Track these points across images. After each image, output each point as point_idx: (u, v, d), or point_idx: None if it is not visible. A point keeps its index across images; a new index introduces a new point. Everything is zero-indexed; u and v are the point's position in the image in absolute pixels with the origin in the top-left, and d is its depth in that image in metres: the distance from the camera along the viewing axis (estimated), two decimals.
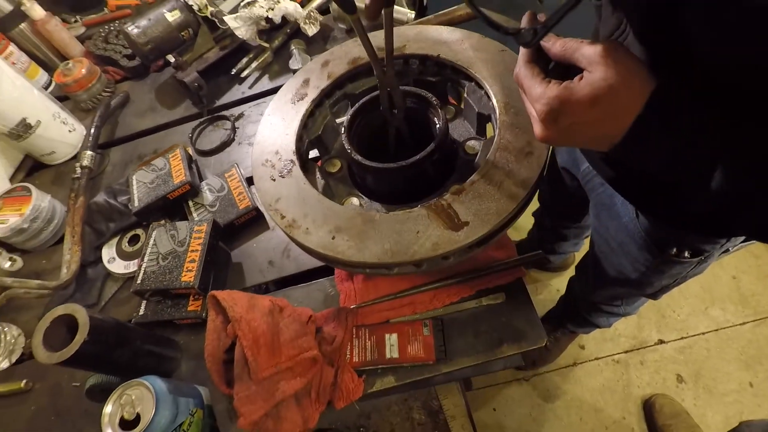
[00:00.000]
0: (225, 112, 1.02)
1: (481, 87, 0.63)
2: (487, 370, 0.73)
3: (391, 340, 0.62)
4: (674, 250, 0.69)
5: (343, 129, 0.62)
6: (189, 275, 0.71)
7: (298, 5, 1.04)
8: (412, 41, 0.69)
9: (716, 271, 1.61)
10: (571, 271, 1.27)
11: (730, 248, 0.68)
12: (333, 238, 0.53)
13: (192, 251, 0.73)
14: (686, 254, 0.69)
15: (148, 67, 1.18)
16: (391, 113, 0.61)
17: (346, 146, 0.61)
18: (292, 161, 0.61)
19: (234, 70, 1.06)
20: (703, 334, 1.51)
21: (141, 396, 0.54)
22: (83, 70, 1.09)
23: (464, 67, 0.63)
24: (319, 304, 0.73)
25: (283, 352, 0.58)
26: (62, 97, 1.14)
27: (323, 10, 1.12)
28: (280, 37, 1.09)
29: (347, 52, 0.70)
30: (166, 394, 0.55)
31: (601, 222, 0.84)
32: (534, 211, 1.42)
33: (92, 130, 1.00)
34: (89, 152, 0.97)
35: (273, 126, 0.66)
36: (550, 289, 1.74)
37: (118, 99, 1.11)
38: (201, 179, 0.90)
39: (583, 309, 1.18)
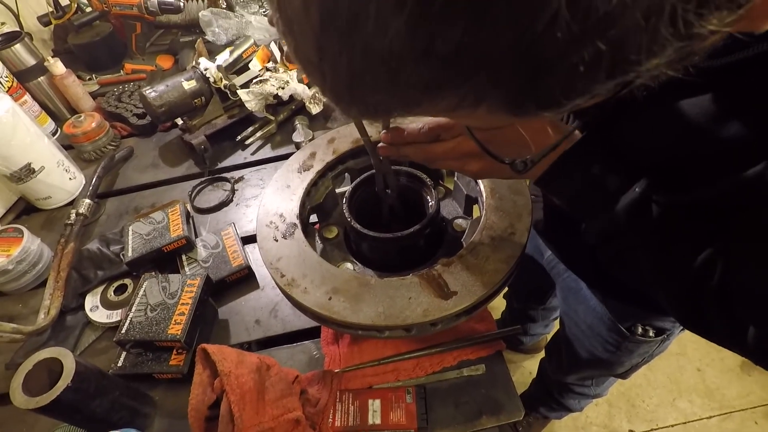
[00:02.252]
0: (226, 174, 1.08)
1: None
2: None
3: (375, 405, 0.63)
4: (640, 329, 0.75)
5: (344, 199, 0.68)
6: (177, 328, 0.71)
7: (306, 87, 1.15)
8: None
9: (682, 363, 1.66)
10: (543, 353, 1.30)
11: None
12: (330, 298, 0.57)
13: (182, 304, 0.74)
14: (651, 333, 0.75)
15: (156, 126, 1.25)
16: (386, 193, 0.68)
17: (346, 215, 0.66)
18: (294, 224, 0.66)
19: (239, 137, 1.14)
20: (672, 426, 1.53)
21: None
22: (93, 124, 1.15)
23: None
24: (303, 366, 0.74)
25: (268, 412, 0.59)
26: (67, 146, 1.18)
27: None
28: (285, 112, 1.18)
29: (351, 133, 0.79)
30: None
31: (570, 306, 0.90)
32: (504, 294, 1.48)
33: (94, 180, 1.03)
34: (87, 200, 0.99)
35: (279, 191, 0.72)
36: (523, 371, 1.75)
37: (122, 152, 1.16)
38: (196, 236, 0.93)
39: (554, 390, 1.20)
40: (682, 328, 0.75)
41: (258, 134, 1.14)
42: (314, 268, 0.60)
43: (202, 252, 0.88)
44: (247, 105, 1.11)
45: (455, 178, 0.73)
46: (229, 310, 0.83)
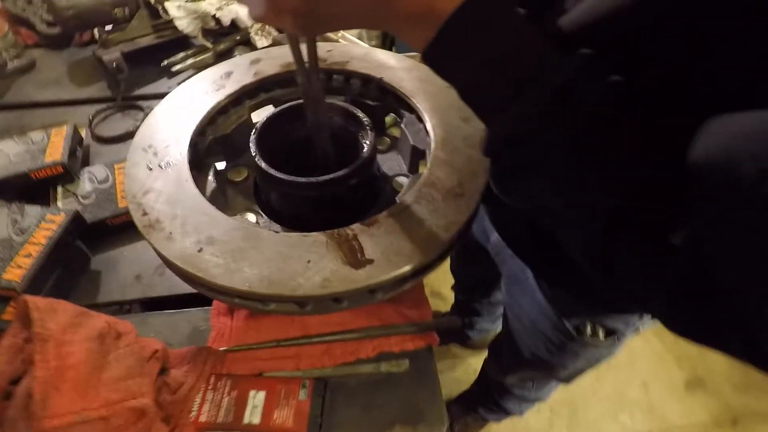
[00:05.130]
0: (141, 102, 0.89)
1: (421, 120, 0.56)
2: None
3: (256, 399, 0.48)
4: (589, 329, 0.65)
5: (255, 130, 0.52)
6: (16, 273, 0.54)
7: None
8: (356, 59, 0.62)
9: (629, 374, 1.59)
10: None
11: (640, 327, 0.65)
12: (200, 250, 0.41)
13: (32, 244, 0.57)
14: (600, 335, 0.65)
15: (71, 39, 1.04)
16: (318, 130, 0.52)
17: (252, 149, 0.50)
18: (180, 153, 0.50)
19: (166, 62, 0.95)
20: None
21: None
22: None
23: (406, 96, 0.57)
24: (182, 338, 0.58)
25: (101, 395, 0.43)
26: None
27: None
28: (227, 42, 1.00)
29: (283, 55, 0.62)
30: None
31: (513, 298, 0.79)
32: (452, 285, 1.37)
33: None
34: None
35: (173, 111, 0.55)
36: (467, 368, 1.64)
37: (20, 62, 0.95)
38: (85, 166, 0.75)
39: (494, 391, 1.10)
40: (634, 329, 0.65)
41: (189, 61, 0.95)
42: (191, 209, 0.44)
43: (85, 186, 0.70)
44: (177, 24, 0.92)
45: (402, 124, 0.58)
46: (105, 261, 0.66)
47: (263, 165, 0.49)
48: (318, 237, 0.42)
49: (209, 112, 0.55)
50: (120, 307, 0.65)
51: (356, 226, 0.43)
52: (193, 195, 0.46)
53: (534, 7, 0.31)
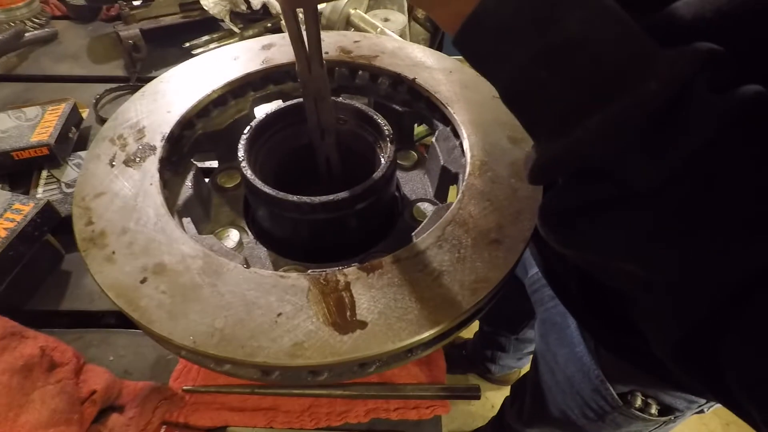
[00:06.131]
0: None
1: (457, 135, 0.44)
2: None
3: None
4: (639, 401, 0.54)
5: (248, 129, 0.42)
6: None
7: None
8: (387, 54, 0.51)
9: None
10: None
11: (705, 409, 0.54)
12: (143, 280, 0.31)
13: None
14: (653, 409, 0.54)
15: (97, 13, 0.98)
16: (321, 135, 0.41)
17: (240, 153, 0.40)
18: (153, 147, 0.40)
19: (187, 44, 0.87)
20: None
21: None
22: None
23: (442, 103, 0.45)
24: (144, 367, 0.49)
25: None
26: None
27: None
28: (256, 29, 0.91)
29: None
30: None
31: (548, 345, 0.67)
32: None
33: None
34: None
35: (159, 96, 0.46)
36: (484, 402, 1.50)
37: (41, 32, 0.90)
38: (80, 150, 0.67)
39: None
40: (698, 410, 0.54)
41: (212, 45, 0.87)
42: (146, 223, 0.35)
43: (72, 172, 0.63)
44: (203, 3, 0.84)
45: (434, 138, 0.47)
46: (79, 261, 0.57)
47: (248, 174, 0.38)
48: (299, 280, 0.32)
49: (202, 101, 0.46)
50: (91, 318, 0.57)
51: (351, 271, 0.32)
52: (155, 204, 0.36)
53: None
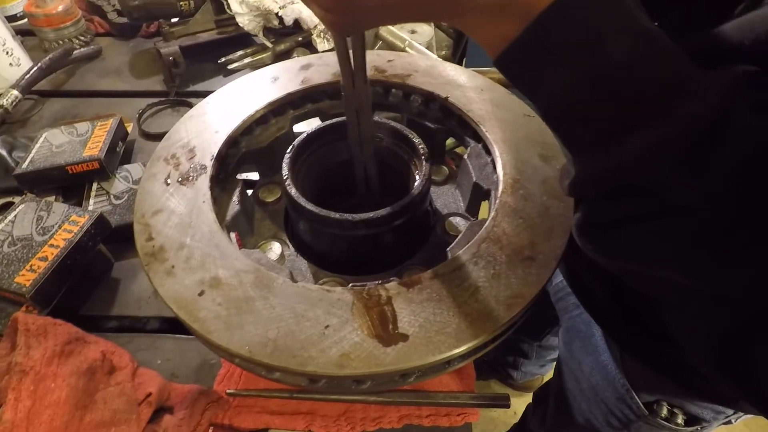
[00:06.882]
0: (193, 99, 0.86)
1: (489, 153, 0.46)
2: None
3: None
4: (665, 410, 0.54)
5: (290, 149, 0.45)
6: (28, 276, 0.50)
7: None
8: (420, 73, 0.53)
9: None
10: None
11: (733, 420, 0.54)
12: (201, 293, 0.34)
13: (51, 246, 0.53)
14: (679, 419, 0.54)
15: (137, 30, 1.04)
16: (360, 146, 0.44)
17: (284, 170, 0.43)
18: (203, 167, 0.43)
19: (223, 60, 0.91)
20: None
21: None
22: (60, 7, 0.94)
23: (474, 121, 0.47)
24: (189, 371, 0.52)
25: None
26: (27, 31, 0.99)
27: None
28: (288, 43, 0.95)
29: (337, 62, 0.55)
30: None
31: (572, 353, 0.67)
32: None
33: (33, 71, 0.83)
34: (15, 92, 0.79)
35: (205, 117, 0.49)
36: (507, 409, 1.49)
37: (86, 50, 0.96)
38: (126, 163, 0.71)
39: None
40: (725, 420, 0.53)
41: (246, 60, 0.91)
42: (201, 239, 0.37)
43: (119, 184, 0.67)
44: (238, 20, 0.88)
45: (465, 156, 0.49)
46: (127, 269, 0.61)
47: (293, 192, 0.41)
48: (343, 295, 0.34)
49: (245, 121, 0.49)
50: (137, 321, 0.61)
51: (392, 286, 0.34)
52: (208, 221, 0.39)
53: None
